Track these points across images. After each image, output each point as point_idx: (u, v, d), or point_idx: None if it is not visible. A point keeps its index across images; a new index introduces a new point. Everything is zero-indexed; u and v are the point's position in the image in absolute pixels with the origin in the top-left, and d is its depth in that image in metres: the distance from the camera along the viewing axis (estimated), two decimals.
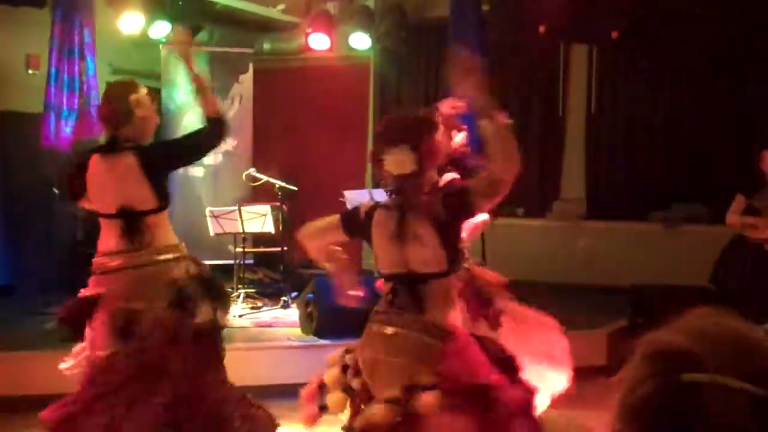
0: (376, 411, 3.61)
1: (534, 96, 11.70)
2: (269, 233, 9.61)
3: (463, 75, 3.94)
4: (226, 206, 9.73)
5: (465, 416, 3.59)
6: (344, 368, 3.85)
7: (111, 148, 4.90)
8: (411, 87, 12.00)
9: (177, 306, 4.72)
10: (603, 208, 11.20)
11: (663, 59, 10.82)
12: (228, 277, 9.91)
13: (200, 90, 5.08)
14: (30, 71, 10.00)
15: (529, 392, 3.78)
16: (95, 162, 4.87)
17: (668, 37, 10.70)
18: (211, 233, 9.58)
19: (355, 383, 3.77)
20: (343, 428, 3.86)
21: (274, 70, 12.21)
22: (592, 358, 7.75)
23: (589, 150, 11.51)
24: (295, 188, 9.66)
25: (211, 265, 10.20)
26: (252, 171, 9.70)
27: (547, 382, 5.26)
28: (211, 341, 4.85)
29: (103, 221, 4.91)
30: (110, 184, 4.84)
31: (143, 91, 5.01)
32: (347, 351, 3.89)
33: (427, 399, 3.55)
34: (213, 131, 5.00)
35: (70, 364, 4.89)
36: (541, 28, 10.71)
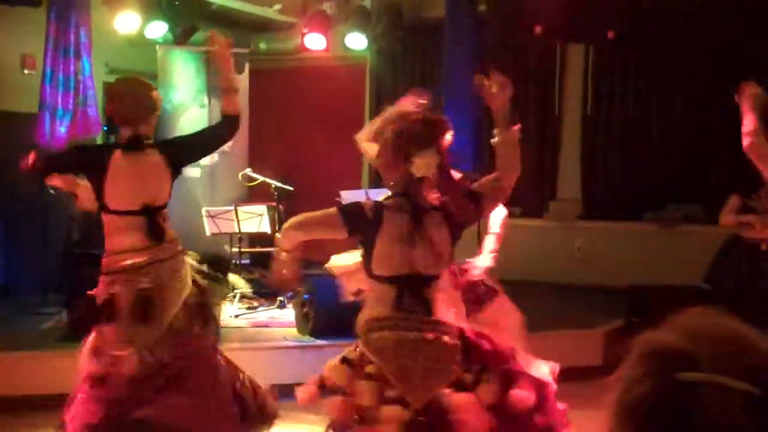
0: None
1: (530, 96, 11.70)
2: (265, 233, 9.61)
3: (497, 92, 4.03)
4: (223, 206, 9.73)
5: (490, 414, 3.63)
6: (343, 360, 3.83)
7: (135, 145, 4.93)
8: (407, 87, 11.94)
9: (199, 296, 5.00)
10: (599, 208, 11.20)
11: (659, 59, 10.83)
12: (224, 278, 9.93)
13: (229, 91, 5.16)
14: (25, 71, 9.98)
15: (542, 385, 3.82)
16: (118, 158, 4.87)
17: (664, 38, 10.71)
18: (208, 233, 9.58)
19: (370, 368, 3.75)
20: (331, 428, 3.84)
21: (271, 70, 12.21)
22: (589, 358, 7.77)
23: (586, 150, 11.51)
24: (291, 188, 9.66)
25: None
26: (248, 171, 9.70)
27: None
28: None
29: (118, 218, 4.89)
30: (135, 182, 4.88)
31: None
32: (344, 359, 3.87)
33: (463, 399, 3.63)
34: (228, 127, 5.13)
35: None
36: (538, 28, 10.70)
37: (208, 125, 5.36)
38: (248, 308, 9.05)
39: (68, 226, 9.65)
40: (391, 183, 3.92)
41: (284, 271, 4.01)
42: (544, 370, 4.06)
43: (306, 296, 7.79)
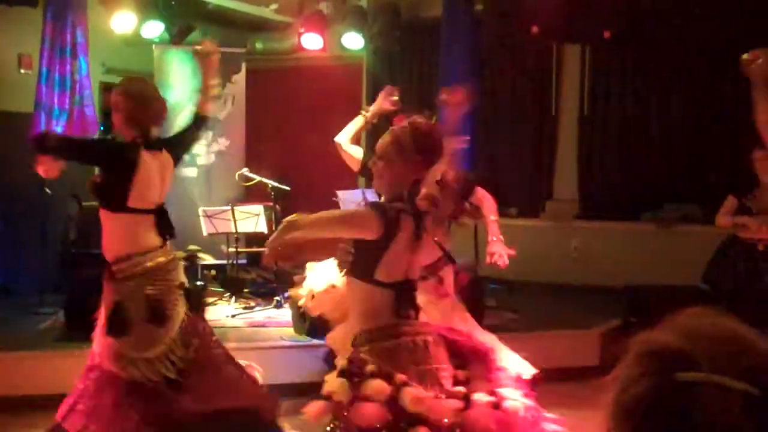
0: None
1: (527, 96, 11.70)
2: (262, 233, 9.60)
3: (452, 108, 4.06)
4: (219, 206, 9.72)
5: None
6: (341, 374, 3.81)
7: (152, 144, 5.02)
8: (404, 87, 11.97)
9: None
10: (596, 208, 11.20)
11: (656, 59, 10.83)
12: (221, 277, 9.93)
13: (208, 96, 5.32)
14: (22, 70, 9.97)
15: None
16: (146, 157, 4.93)
17: (661, 37, 10.71)
18: (204, 233, 9.58)
19: (371, 367, 3.73)
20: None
21: (267, 69, 12.20)
22: (586, 358, 7.77)
23: (582, 150, 11.51)
24: (288, 188, 9.66)
25: (204, 265, 10.24)
26: (245, 171, 9.69)
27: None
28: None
29: (138, 217, 4.92)
30: (156, 181, 4.97)
31: None
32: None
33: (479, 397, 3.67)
34: (203, 128, 5.42)
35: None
36: (534, 28, 10.70)
37: (186, 125, 5.40)
38: (245, 308, 9.05)
39: (66, 227, 9.64)
40: (388, 186, 3.92)
41: (282, 248, 3.97)
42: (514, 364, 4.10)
43: None
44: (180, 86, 10.85)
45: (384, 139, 3.96)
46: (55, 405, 4.95)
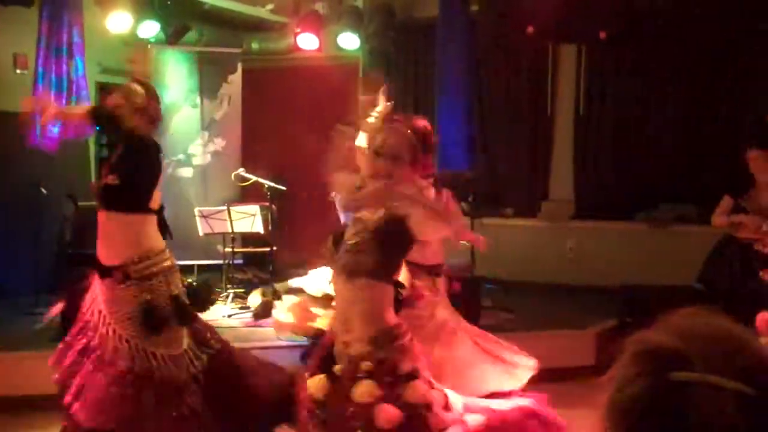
0: None
1: (522, 96, 11.70)
2: (258, 233, 9.61)
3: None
4: (215, 206, 9.73)
5: None
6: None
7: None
8: (399, 87, 12.00)
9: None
10: (592, 209, 11.20)
11: (651, 60, 10.84)
12: (217, 277, 9.91)
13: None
14: (18, 70, 9.95)
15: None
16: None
17: (657, 38, 10.71)
18: (200, 233, 9.58)
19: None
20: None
21: (263, 70, 12.19)
22: (581, 358, 7.78)
23: (578, 150, 11.51)
24: (284, 188, 9.66)
25: (200, 266, 10.25)
26: (241, 171, 9.69)
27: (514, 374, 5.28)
28: None
29: (151, 218, 4.99)
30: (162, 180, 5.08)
31: None
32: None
33: None
34: None
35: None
36: (530, 29, 10.71)
37: None
38: (241, 308, 9.05)
39: (62, 227, 9.63)
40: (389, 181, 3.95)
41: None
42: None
43: None
44: (176, 86, 10.85)
45: (388, 139, 3.93)
46: (54, 405, 4.96)
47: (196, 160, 10.97)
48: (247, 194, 10.20)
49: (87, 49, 9.11)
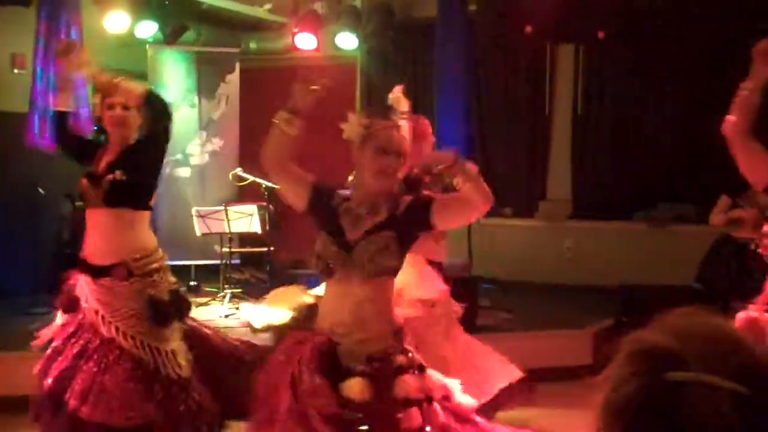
0: None
1: (520, 96, 11.71)
2: (256, 233, 9.60)
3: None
4: (213, 206, 9.72)
5: None
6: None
7: None
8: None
9: None
10: (590, 208, 11.21)
11: (649, 59, 10.85)
12: (214, 277, 9.91)
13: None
14: (15, 70, 9.94)
15: None
16: None
17: (655, 37, 10.72)
18: (198, 233, 9.57)
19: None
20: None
21: (261, 69, 12.19)
22: (579, 357, 7.78)
23: (576, 150, 11.52)
24: None
25: (197, 266, 10.24)
26: (239, 171, 9.68)
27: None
28: None
29: (147, 214, 5.03)
30: None
31: None
32: None
33: None
34: None
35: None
36: (528, 28, 10.72)
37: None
38: (238, 308, 9.04)
39: (59, 227, 9.62)
40: (395, 183, 3.98)
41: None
42: None
43: None
44: (174, 86, 10.85)
45: (396, 137, 3.93)
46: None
47: (194, 160, 10.97)
48: (244, 194, 10.20)
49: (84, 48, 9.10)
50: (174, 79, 10.92)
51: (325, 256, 3.77)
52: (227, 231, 9.44)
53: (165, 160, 5.25)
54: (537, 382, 5.56)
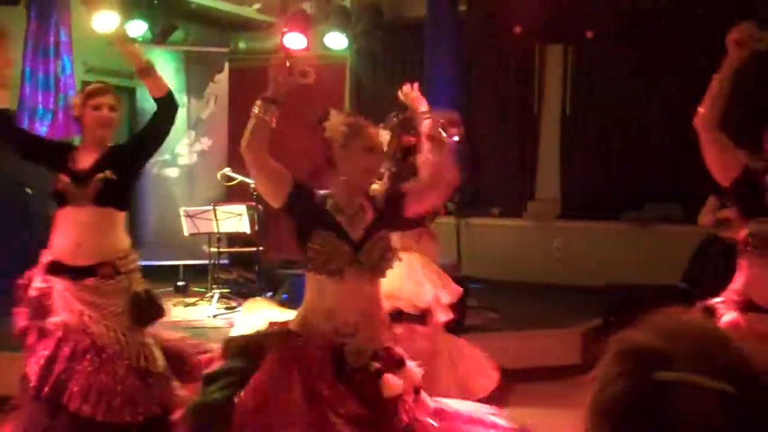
0: None
1: (509, 96, 11.72)
2: (244, 233, 9.59)
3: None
4: (201, 206, 9.70)
5: None
6: None
7: None
8: (387, 86, 11.96)
9: None
10: (578, 208, 11.23)
11: (638, 59, 10.87)
12: (202, 278, 9.89)
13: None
14: None
15: None
16: None
17: (643, 38, 10.74)
18: (186, 233, 9.55)
19: None
20: None
21: (250, 69, 12.15)
22: (567, 357, 7.79)
23: (565, 150, 11.54)
24: None
25: (185, 266, 10.22)
26: (227, 170, 9.67)
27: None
28: None
29: (124, 216, 5.02)
30: None
31: None
32: None
33: None
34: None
35: None
36: (517, 29, 10.74)
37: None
38: (227, 308, 9.03)
39: (47, 227, 9.57)
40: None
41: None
42: None
43: (285, 296, 7.78)
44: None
45: (379, 136, 3.98)
46: None
47: (182, 160, 10.95)
48: (233, 194, 10.18)
49: (73, 48, 9.08)
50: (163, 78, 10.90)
51: (333, 255, 3.73)
52: (216, 231, 9.43)
53: (153, 160, 5.25)
54: (525, 382, 5.58)
